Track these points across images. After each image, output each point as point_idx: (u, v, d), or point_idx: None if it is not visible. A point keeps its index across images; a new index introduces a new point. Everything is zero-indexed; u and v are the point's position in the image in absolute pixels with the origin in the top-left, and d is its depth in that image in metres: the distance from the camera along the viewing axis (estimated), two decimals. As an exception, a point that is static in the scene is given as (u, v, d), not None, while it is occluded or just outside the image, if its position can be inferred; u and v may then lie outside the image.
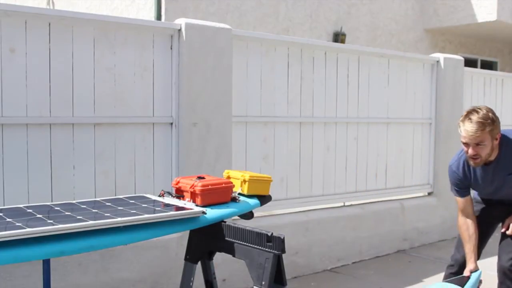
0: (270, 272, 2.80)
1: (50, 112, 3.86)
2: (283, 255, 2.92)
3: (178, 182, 3.21)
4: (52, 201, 3.78)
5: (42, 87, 3.82)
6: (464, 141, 3.22)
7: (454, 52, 11.97)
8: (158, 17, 8.07)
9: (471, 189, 3.59)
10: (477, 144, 3.16)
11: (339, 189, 5.77)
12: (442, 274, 5.26)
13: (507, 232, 3.28)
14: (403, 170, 6.51)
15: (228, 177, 3.44)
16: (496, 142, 3.23)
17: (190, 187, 3.08)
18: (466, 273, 3.44)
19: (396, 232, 6.32)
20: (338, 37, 10.18)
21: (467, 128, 3.15)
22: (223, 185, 3.16)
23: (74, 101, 3.97)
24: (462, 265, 3.63)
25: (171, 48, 4.45)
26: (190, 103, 4.46)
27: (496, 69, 13.66)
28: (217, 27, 4.62)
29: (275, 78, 5.18)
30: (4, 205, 3.54)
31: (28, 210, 2.74)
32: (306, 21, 9.86)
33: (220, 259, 4.29)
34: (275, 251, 2.77)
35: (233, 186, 3.24)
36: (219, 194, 3.12)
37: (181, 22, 4.45)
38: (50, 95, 3.86)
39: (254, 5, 9.09)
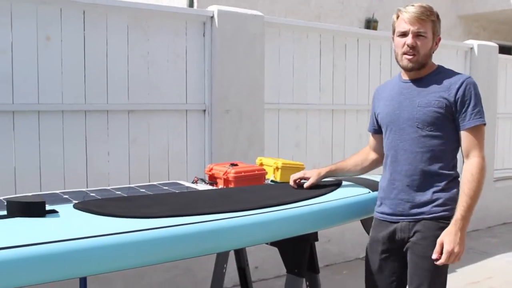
0: (303, 259, 2.79)
1: (85, 99, 3.91)
2: (316, 243, 2.91)
3: (211, 168, 3.22)
4: (87, 187, 3.83)
5: (77, 74, 3.87)
6: (402, 29, 2.64)
7: (488, 39, 11.69)
8: (191, 4, 8.08)
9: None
10: (418, 35, 2.62)
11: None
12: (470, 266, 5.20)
13: (439, 262, 2.50)
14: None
15: (261, 164, 3.43)
16: (435, 47, 2.70)
17: (224, 174, 3.09)
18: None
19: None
20: (370, 24, 10.06)
21: (410, 10, 2.62)
22: (256, 172, 3.16)
23: (109, 88, 4.01)
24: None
25: (203, 35, 4.45)
26: (223, 90, 4.46)
27: (531, 56, 13.34)
28: (249, 14, 4.60)
29: (307, 65, 5.15)
30: (41, 191, 3.60)
31: (64, 196, 2.78)
32: (337, 8, 9.77)
33: (253, 246, 4.30)
34: (308, 239, 2.77)
35: (266, 173, 3.24)
36: (252, 181, 3.12)
37: (213, 9, 4.44)
38: (85, 82, 3.90)
39: (285, -8, 9.05)
